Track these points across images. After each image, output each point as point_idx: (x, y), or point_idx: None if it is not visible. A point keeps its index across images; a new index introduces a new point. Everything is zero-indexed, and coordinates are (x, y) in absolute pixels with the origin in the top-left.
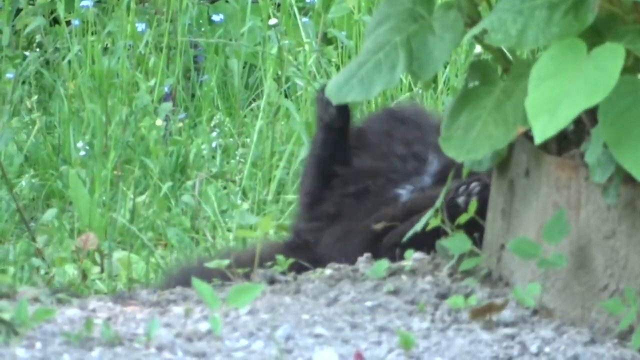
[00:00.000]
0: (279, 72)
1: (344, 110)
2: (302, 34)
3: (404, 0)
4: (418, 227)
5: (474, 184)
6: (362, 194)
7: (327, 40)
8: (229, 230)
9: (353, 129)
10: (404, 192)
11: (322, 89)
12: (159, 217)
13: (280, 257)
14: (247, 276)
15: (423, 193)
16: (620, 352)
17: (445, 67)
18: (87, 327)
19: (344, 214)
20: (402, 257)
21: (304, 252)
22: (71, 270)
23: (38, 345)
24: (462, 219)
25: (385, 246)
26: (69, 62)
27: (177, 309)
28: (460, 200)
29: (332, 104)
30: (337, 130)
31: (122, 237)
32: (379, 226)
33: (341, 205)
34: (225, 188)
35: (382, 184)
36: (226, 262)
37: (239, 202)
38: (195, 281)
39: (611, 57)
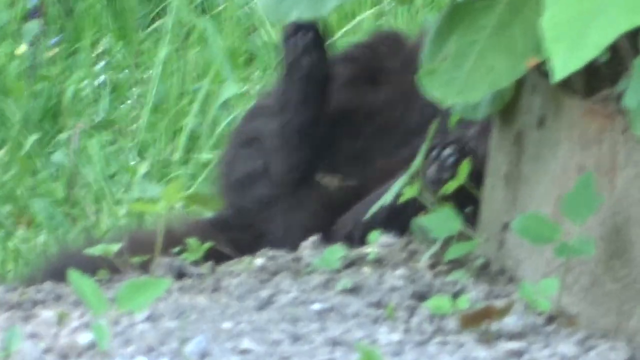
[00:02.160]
0: None
1: (323, 53)
2: None
3: None
4: (387, 199)
5: (447, 152)
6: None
7: None
8: (118, 202)
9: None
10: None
11: (296, 24)
12: (21, 184)
13: (192, 241)
14: (145, 267)
15: None
16: None
17: None
18: None
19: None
20: (363, 241)
21: (241, 232)
22: None
23: None
24: (450, 187)
25: (340, 232)
26: None
27: (47, 314)
28: (431, 170)
29: (313, 45)
30: (320, 82)
31: None
32: (328, 181)
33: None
34: (114, 143)
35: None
36: (116, 246)
37: (133, 163)
38: (72, 274)
39: None
